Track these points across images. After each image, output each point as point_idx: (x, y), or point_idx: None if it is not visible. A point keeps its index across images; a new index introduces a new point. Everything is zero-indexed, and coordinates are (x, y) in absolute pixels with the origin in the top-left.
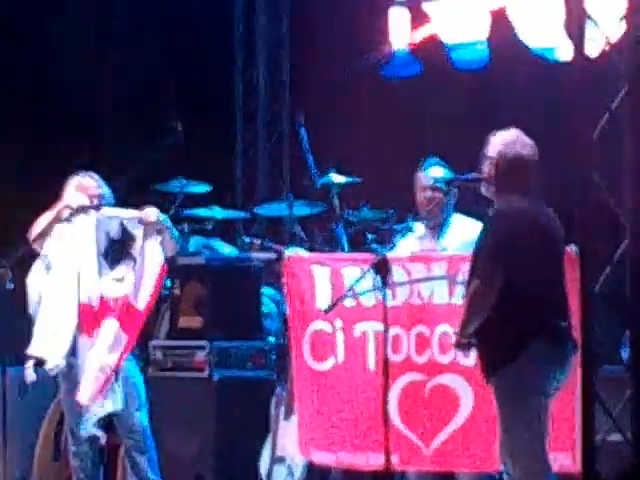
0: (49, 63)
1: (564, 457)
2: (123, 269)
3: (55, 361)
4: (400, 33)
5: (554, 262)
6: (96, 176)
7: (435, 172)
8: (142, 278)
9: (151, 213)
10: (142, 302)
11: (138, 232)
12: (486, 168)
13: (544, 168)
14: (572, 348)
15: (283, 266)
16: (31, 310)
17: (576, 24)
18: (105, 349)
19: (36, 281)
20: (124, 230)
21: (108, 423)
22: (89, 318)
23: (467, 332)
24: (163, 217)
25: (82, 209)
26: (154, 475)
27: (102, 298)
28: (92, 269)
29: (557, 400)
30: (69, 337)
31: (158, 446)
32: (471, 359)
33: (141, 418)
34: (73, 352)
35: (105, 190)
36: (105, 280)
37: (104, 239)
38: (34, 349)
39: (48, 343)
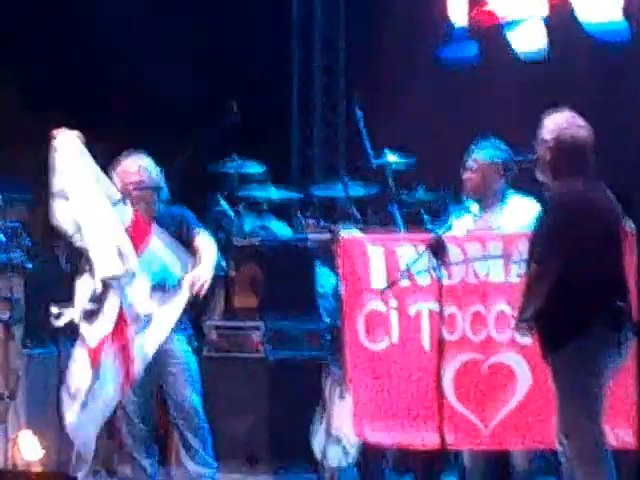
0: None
1: (625, 434)
2: None
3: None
4: (458, 11)
5: (611, 243)
6: (143, 157)
7: (483, 153)
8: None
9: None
10: None
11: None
12: (541, 151)
13: (600, 150)
14: (630, 328)
15: (337, 246)
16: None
17: (635, 4)
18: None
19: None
20: None
21: (162, 402)
22: None
23: (525, 316)
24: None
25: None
26: (207, 454)
27: None
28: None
29: (617, 377)
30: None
31: (212, 425)
32: (529, 337)
33: (193, 398)
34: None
35: (151, 174)
36: None
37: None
38: (104, 271)
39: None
